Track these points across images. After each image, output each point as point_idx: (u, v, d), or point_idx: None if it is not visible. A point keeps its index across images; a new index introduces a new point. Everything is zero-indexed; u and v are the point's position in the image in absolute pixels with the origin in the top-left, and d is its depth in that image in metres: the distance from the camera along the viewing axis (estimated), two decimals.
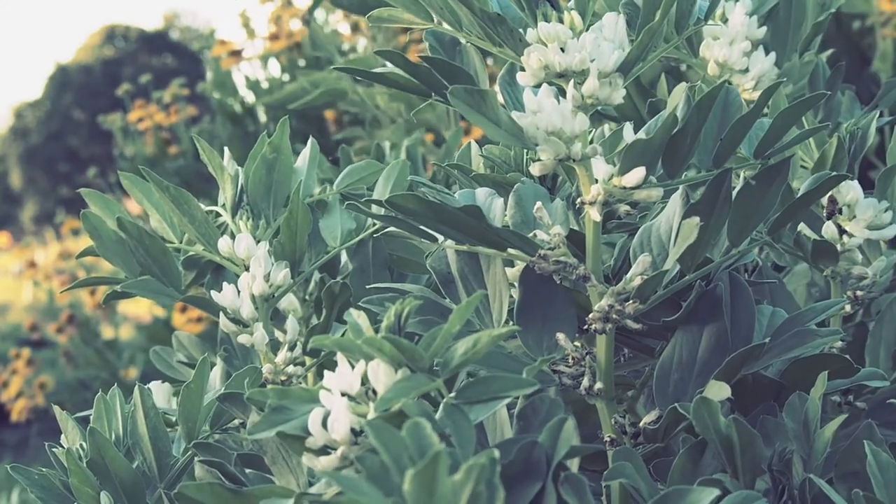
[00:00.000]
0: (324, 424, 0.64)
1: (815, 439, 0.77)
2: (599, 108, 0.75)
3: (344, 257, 1.10)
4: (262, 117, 2.95)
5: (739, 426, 0.73)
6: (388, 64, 0.80)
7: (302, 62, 2.87)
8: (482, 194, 0.82)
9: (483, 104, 0.70)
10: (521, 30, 0.74)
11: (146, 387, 0.90)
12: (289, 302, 1.09)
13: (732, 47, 1.02)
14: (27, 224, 17.31)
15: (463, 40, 0.80)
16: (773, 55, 1.04)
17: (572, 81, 0.73)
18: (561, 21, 0.74)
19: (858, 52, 2.32)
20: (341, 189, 1.09)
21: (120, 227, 0.96)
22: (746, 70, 1.04)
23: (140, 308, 4.59)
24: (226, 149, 1.01)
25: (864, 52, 2.32)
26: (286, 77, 2.94)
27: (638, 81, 1.20)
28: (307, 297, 1.11)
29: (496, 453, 0.55)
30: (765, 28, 1.04)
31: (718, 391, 0.74)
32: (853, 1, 2.09)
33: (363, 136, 2.25)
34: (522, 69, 0.74)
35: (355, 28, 2.78)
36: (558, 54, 0.73)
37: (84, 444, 0.87)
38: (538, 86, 0.74)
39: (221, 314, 0.96)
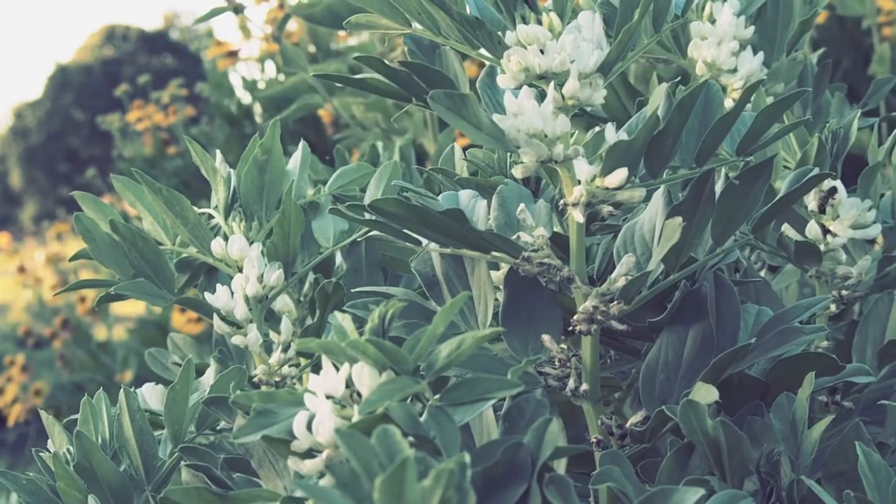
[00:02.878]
0: (309, 427, 0.64)
1: (802, 440, 0.77)
2: (588, 109, 0.75)
3: (339, 258, 1.10)
4: (259, 118, 2.95)
5: (727, 429, 0.72)
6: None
7: (287, 69, 2.87)
8: (465, 197, 0.82)
9: (464, 108, 0.70)
10: (499, 32, 0.74)
11: (132, 389, 0.90)
12: (284, 303, 1.09)
13: (720, 47, 1.02)
14: (27, 224, 17.33)
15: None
16: (761, 55, 1.04)
17: (553, 83, 0.73)
18: (539, 23, 0.74)
19: (861, 53, 2.31)
20: (333, 191, 1.09)
21: (113, 229, 0.96)
22: (735, 70, 1.04)
23: (139, 308, 4.59)
24: (218, 151, 1.01)
25: (867, 54, 2.31)
26: (282, 78, 2.94)
27: (626, 82, 1.20)
28: (302, 298, 1.12)
29: (467, 458, 0.55)
30: (752, 28, 1.04)
31: (706, 394, 0.74)
32: (848, 3, 2.09)
33: (364, 137, 2.25)
34: (502, 72, 0.74)
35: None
36: (538, 56, 0.72)
37: (71, 448, 0.87)
38: (519, 88, 0.73)
39: (215, 315, 0.96)
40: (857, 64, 2.30)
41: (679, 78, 1.02)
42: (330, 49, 2.56)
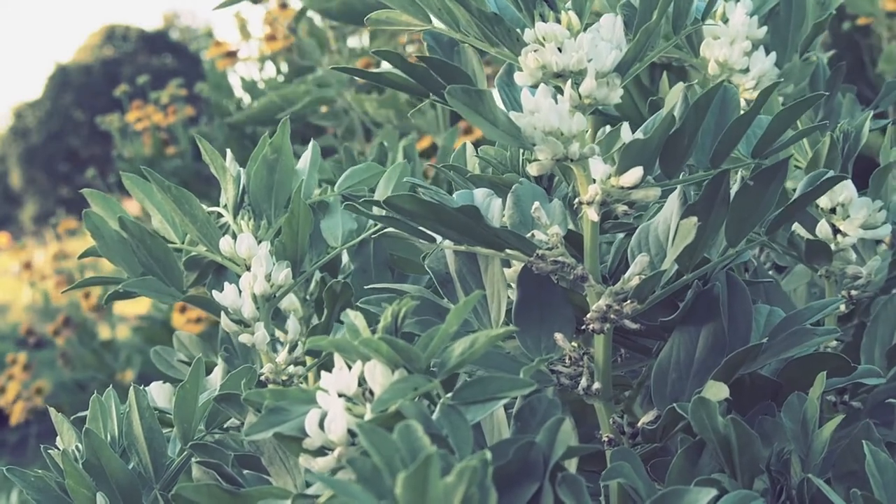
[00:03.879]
0: (321, 425, 0.64)
1: (813, 439, 0.77)
2: (600, 107, 0.75)
3: (345, 258, 1.10)
4: None
5: (737, 426, 0.73)
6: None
7: (303, 62, 2.87)
8: (480, 195, 0.82)
9: (481, 104, 0.70)
10: (518, 30, 0.74)
11: (142, 387, 0.90)
12: (290, 302, 1.09)
13: (733, 47, 1.02)
14: (27, 224, 17.31)
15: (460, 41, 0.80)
16: (773, 55, 1.04)
17: (570, 81, 0.73)
18: (558, 21, 0.74)
19: (858, 53, 2.32)
20: (342, 190, 1.09)
21: (122, 226, 0.96)
22: (747, 70, 1.04)
23: (140, 308, 4.59)
24: (228, 150, 1.01)
25: (864, 54, 2.32)
26: (282, 78, 2.94)
27: (639, 81, 1.20)
28: (308, 297, 1.12)
29: (488, 455, 0.55)
30: (765, 28, 1.04)
31: (717, 392, 0.74)
32: (857, 2, 2.09)
33: (336, 146, 2.25)
34: (520, 69, 0.74)
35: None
36: (556, 54, 0.73)
37: (80, 446, 0.87)
38: (536, 86, 0.74)
39: (223, 314, 0.96)
40: (853, 63, 2.31)
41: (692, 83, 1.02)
42: (329, 50, 2.56)
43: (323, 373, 0.66)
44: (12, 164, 18.64)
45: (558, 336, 0.77)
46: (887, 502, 0.71)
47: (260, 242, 0.96)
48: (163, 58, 18.72)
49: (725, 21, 1.03)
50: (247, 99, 3.02)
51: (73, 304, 3.86)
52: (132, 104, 3.49)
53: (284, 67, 2.94)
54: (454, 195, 0.83)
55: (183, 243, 1.01)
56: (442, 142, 1.94)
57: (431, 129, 1.98)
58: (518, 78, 0.74)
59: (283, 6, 2.93)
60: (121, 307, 4.50)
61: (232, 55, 3.08)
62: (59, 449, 0.90)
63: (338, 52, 2.35)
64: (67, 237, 4.76)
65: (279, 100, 2.25)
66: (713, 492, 0.63)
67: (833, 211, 0.91)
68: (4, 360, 3.85)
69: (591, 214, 0.75)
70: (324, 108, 2.27)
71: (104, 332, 4.11)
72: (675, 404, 0.76)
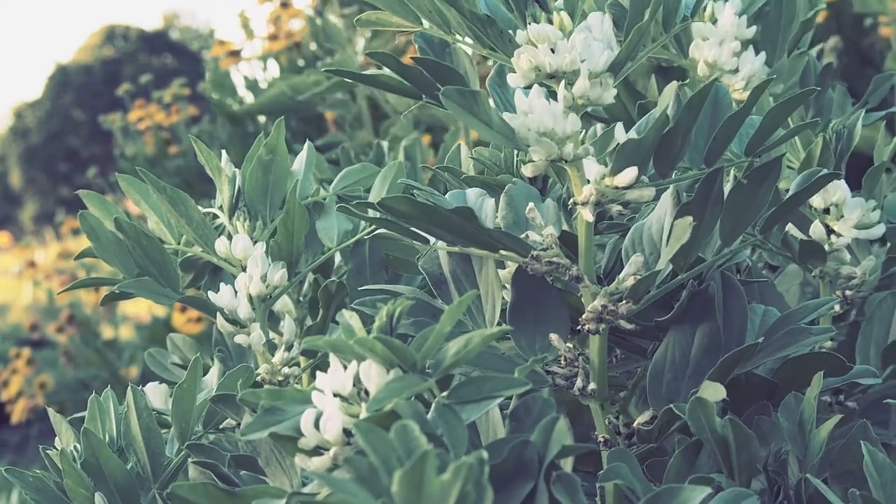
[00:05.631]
0: (316, 425, 0.64)
1: (810, 439, 0.77)
2: (590, 108, 0.75)
3: (338, 259, 1.11)
4: (262, 118, 2.96)
5: (735, 427, 0.73)
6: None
7: (301, 62, 2.88)
8: (473, 195, 0.82)
9: (475, 105, 0.70)
10: (510, 31, 0.74)
11: (139, 387, 0.90)
12: (283, 303, 1.09)
13: (722, 47, 1.02)
14: (27, 224, 17.32)
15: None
16: (762, 55, 1.04)
17: (563, 82, 0.73)
18: (550, 22, 0.74)
19: (860, 51, 2.32)
20: (338, 190, 1.09)
21: (118, 228, 0.96)
22: (736, 70, 1.03)
23: (140, 308, 4.59)
24: (223, 151, 1.02)
25: (866, 52, 2.31)
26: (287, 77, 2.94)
27: (627, 83, 1.20)
28: (301, 298, 1.12)
29: (484, 454, 0.55)
30: (754, 27, 1.04)
31: (714, 392, 0.74)
32: (867, 1, 2.09)
33: (344, 140, 2.25)
34: (512, 70, 0.74)
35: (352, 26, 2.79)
36: (548, 55, 0.73)
37: (78, 446, 0.88)
38: (529, 87, 0.74)
39: (218, 315, 0.96)
40: (854, 61, 2.31)
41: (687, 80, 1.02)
42: (332, 49, 2.56)
43: (318, 373, 0.67)
44: (12, 164, 18.66)
45: (553, 337, 0.77)
46: (885, 502, 0.71)
47: (255, 243, 0.96)
48: (163, 58, 18.73)
49: (714, 21, 1.03)
50: (249, 98, 3.03)
51: (76, 303, 3.87)
52: (135, 103, 3.50)
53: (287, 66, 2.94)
54: (447, 196, 0.83)
55: (179, 244, 1.01)
56: (446, 138, 1.94)
57: (449, 120, 1.97)
58: (511, 79, 0.74)
59: (285, 5, 2.93)
60: (124, 306, 4.50)
61: (235, 54, 3.08)
62: (57, 449, 0.90)
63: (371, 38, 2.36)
64: (69, 236, 4.77)
65: (288, 89, 2.24)
66: (707, 490, 0.64)
67: (827, 211, 0.91)
68: (7, 356, 3.85)
69: (586, 215, 0.75)
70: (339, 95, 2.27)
71: (107, 332, 4.11)
72: (672, 404, 0.76)
